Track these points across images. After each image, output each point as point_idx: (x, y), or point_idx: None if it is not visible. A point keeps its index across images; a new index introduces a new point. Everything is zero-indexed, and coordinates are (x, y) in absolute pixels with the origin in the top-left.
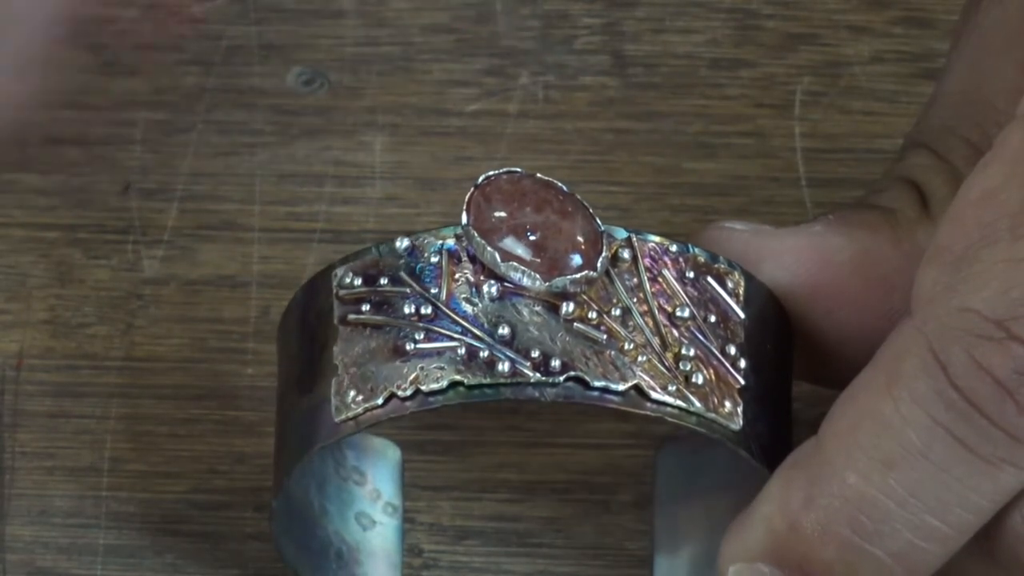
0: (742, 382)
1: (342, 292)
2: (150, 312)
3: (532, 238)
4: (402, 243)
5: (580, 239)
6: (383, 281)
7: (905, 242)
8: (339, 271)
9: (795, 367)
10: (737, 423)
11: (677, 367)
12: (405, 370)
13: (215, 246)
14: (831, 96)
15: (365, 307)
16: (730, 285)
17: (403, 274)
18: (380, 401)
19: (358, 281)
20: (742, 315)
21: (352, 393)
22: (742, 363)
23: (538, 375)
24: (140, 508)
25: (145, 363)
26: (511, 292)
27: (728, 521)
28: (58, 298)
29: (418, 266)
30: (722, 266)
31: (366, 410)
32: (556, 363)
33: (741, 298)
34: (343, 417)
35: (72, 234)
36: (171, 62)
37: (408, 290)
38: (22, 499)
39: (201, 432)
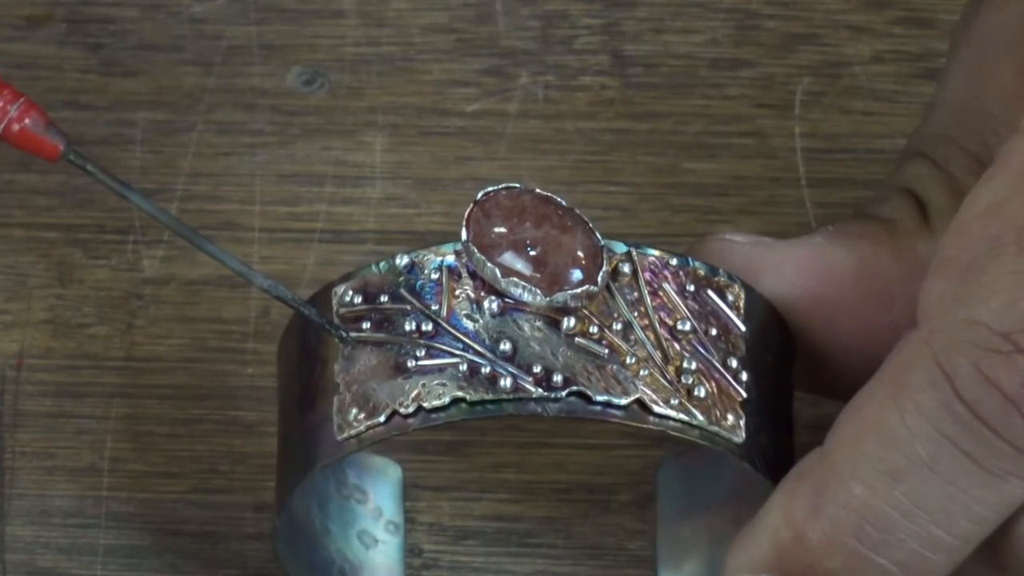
0: (744, 395)
1: (342, 310)
2: (150, 312)
3: (532, 253)
4: (402, 260)
5: (580, 254)
6: (383, 298)
7: (905, 253)
8: (339, 289)
9: (796, 378)
10: (740, 436)
11: (679, 380)
12: (407, 387)
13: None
14: (831, 96)
15: (366, 325)
16: (730, 298)
17: (403, 291)
18: (382, 419)
19: (358, 299)
20: (743, 328)
21: (354, 411)
22: (744, 376)
23: (540, 390)
24: (140, 508)
25: (145, 363)
26: (512, 308)
27: (731, 535)
28: (58, 298)
29: (418, 283)
30: (722, 279)
31: (368, 428)
32: (558, 378)
33: (742, 311)
34: (345, 435)
35: (72, 234)
36: (171, 62)
37: (409, 307)
38: (22, 499)
39: (201, 432)
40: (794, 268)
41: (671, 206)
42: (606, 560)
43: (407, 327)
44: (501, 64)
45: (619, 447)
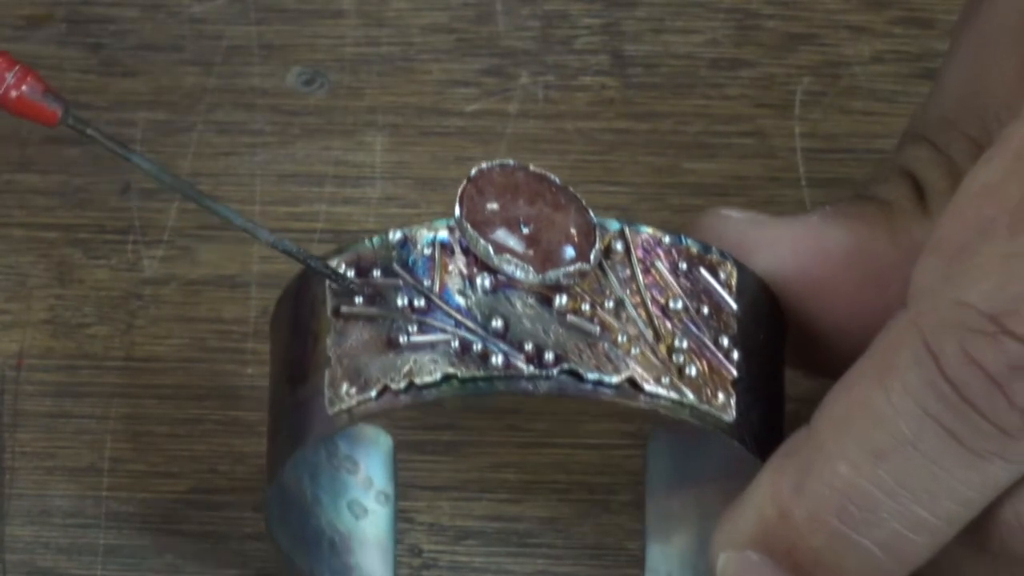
0: (735, 373)
1: (335, 284)
2: (150, 312)
3: (525, 230)
4: (395, 235)
5: (573, 231)
6: (376, 273)
7: (901, 235)
8: (332, 262)
9: (788, 356)
10: (730, 415)
11: (670, 359)
12: (398, 363)
13: (215, 246)
14: (831, 96)
15: (358, 299)
16: (723, 276)
17: (396, 266)
18: (373, 394)
19: (351, 272)
20: (735, 306)
21: (345, 385)
22: (735, 354)
23: (531, 368)
24: (140, 508)
25: (145, 363)
26: (504, 284)
27: (719, 510)
28: (58, 298)
29: (411, 258)
30: (715, 257)
31: (360, 403)
32: (549, 356)
33: (734, 289)
34: (337, 409)
35: (72, 234)
36: (171, 62)
37: (401, 282)
38: (22, 499)
39: (201, 432)
40: (789, 246)
41: (671, 206)
42: (606, 560)
43: (399, 302)
44: (501, 64)
45: (619, 447)
